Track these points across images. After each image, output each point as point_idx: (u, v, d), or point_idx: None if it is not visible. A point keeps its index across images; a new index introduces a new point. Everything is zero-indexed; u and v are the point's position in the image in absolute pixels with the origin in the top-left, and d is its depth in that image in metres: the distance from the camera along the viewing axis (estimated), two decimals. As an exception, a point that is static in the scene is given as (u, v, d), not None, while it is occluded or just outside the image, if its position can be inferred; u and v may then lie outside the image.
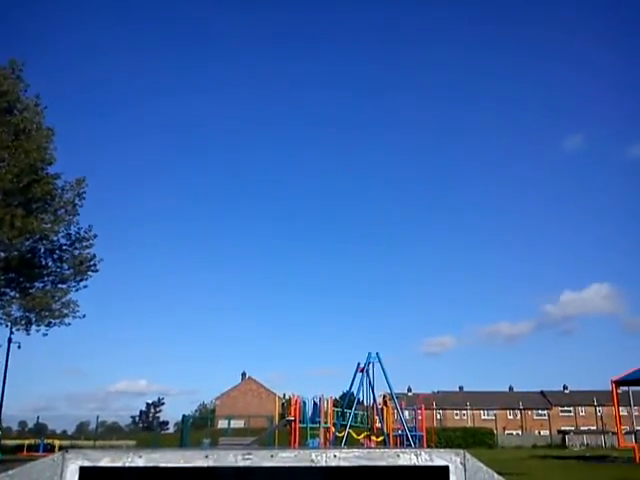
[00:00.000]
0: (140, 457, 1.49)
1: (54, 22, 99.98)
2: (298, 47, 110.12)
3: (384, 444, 27.02)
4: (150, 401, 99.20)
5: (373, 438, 28.72)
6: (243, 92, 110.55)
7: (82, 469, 1.46)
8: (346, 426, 27.28)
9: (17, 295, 23.99)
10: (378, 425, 29.53)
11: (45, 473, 1.44)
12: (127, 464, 1.49)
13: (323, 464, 1.57)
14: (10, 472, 1.44)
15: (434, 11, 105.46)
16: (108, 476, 1.49)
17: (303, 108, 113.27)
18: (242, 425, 60.35)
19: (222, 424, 60.89)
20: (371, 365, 28.89)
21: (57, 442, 37.97)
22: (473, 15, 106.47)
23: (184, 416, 37.82)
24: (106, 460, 1.48)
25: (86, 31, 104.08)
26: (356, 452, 1.60)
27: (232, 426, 54.23)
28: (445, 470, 1.64)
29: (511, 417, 77.13)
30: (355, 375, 29.16)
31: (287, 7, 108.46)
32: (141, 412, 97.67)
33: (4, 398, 33.04)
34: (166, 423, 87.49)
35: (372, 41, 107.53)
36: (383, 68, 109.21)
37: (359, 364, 28.93)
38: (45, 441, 38.31)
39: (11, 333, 29.27)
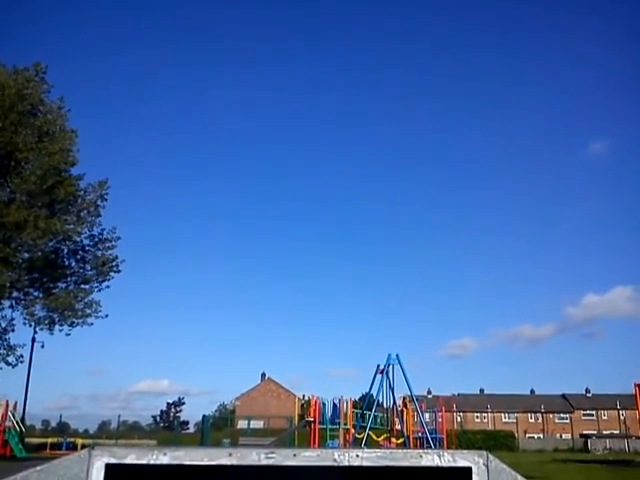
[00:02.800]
0: (165, 455, 1.50)
1: (74, 22, 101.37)
2: (310, 49, 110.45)
3: (404, 446, 26.90)
4: (171, 401, 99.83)
5: (393, 440, 28.63)
6: (259, 94, 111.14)
7: (108, 466, 1.48)
8: (366, 428, 27.25)
9: (41, 295, 24.29)
10: (398, 427, 29.43)
11: (72, 469, 1.46)
12: (152, 461, 1.50)
13: (346, 464, 1.57)
14: (38, 468, 1.47)
15: (452, 14, 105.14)
16: (133, 473, 1.51)
17: (310, 108, 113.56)
18: (261, 426, 60.48)
19: (242, 424, 61.09)
20: (391, 367, 28.84)
21: (79, 441, 38.38)
22: (492, 19, 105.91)
23: (204, 416, 38.07)
24: (131, 457, 1.50)
25: (102, 29, 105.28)
26: (378, 452, 1.60)
27: (252, 426, 54.35)
28: (468, 471, 1.63)
29: (532, 420, 76.33)
30: (375, 377, 29.14)
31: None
32: (162, 412, 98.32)
33: (28, 396, 33.52)
34: (186, 423, 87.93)
35: (388, 48, 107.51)
36: (400, 72, 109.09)
37: (379, 366, 28.89)
38: (68, 439, 38.75)
39: (35, 332, 29.73)
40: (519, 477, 1.57)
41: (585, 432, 68.39)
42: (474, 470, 1.63)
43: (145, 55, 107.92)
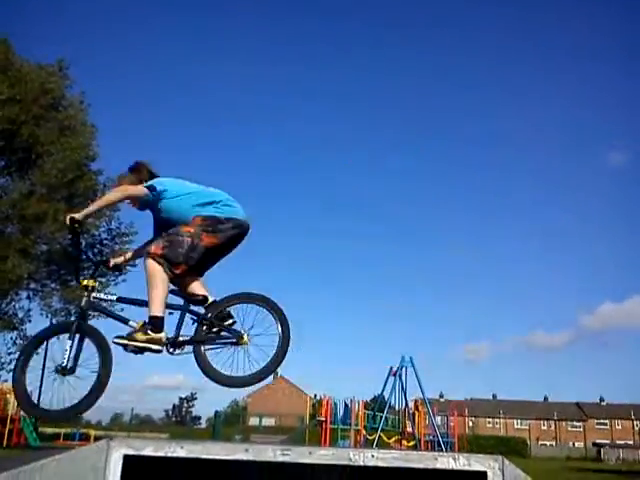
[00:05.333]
0: (182, 448, 1.52)
1: (88, 15, 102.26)
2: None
3: (415, 449, 26.74)
4: (183, 396, 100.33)
5: (404, 442, 28.49)
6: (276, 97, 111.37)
7: (126, 457, 1.50)
8: (377, 429, 27.15)
9: (58, 287, 24.52)
10: (409, 430, 29.31)
11: (91, 459, 1.48)
12: (169, 454, 1.52)
13: (361, 463, 1.58)
14: (57, 457, 1.49)
15: (466, 23, 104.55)
16: (150, 465, 1.53)
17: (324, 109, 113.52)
18: (273, 423, 60.62)
19: (253, 421, 61.29)
20: (404, 369, 28.72)
21: (92, 432, 38.59)
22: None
23: (216, 412, 38.15)
24: (149, 449, 1.52)
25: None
26: (394, 453, 1.60)
27: (263, 424, 54.52)
28: (483, 476, 1.63)
29: (545, 427, 75.70)
30: (387, 378, 29.03)
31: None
32: (174, 406, 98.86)
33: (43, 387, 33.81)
34: (198, 418, 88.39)
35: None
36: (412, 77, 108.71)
37: (392, 367, 28.78)
38: (81, 430, 38.99)
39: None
40: (535, 483, 1.56)
41: (598, 441, 67.61)
42: (489, 475, 1.62)
43: (157, 49, 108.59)
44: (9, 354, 23.41)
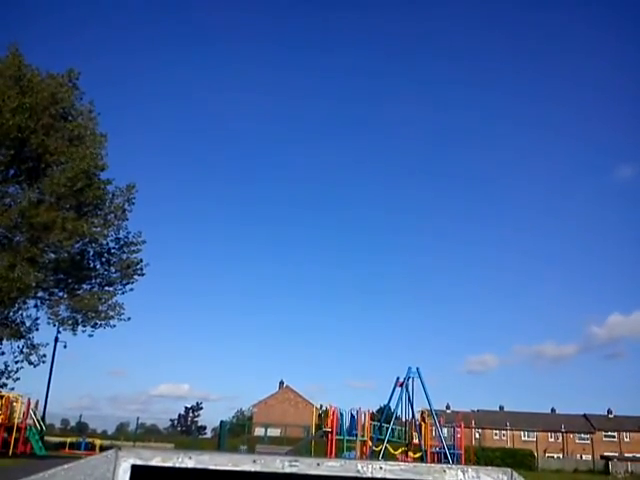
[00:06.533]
0: (190, 458, 1.52)
1: (91, 20, 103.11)
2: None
3: (421, 461, 26.61)
4: (189, 405, 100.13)
5: (410, 454, 28.36)
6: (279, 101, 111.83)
7: (134, 467, 1.50)
8: (383, 440, 27.05)
9: (65, 296, 24.58)
10: (416, 441, 29.15)
11: (99, 469, 1.48)
12: (177, 464, 1.51)
13: (369, 475, 1.57)
14: (66, 466, 1.49)
15: (488, 36, 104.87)
16: (158, 475, 1.52)
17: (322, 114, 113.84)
18: (278, 434, 60.32)
19: (259, 432, 61.09)
20: (410, 380, 28.61)
21: (98, 441, 38.62)
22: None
23: (222, 422, 38.09)
24: (157, 460, 1.52)
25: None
26: (402, 466, 1.59)
27: (269, 434, 54.31)
28: (492, 488, 1.61)
29: (552, 440, 74.99)
30: (394, 389, 28.94)
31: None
32: (180, 416, 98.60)
33: (49, 396, 33.90)
34: (204, 428, 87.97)
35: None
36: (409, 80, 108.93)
37: (398, 378, 28.68)
38: (86, 440, 39.01)
39: (58, 332, 30.10)
40: (544, 496, 1.55)
41: (606, 454, 66.93)
42: (498, 487, 1.61)
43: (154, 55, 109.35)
44: (16, 362, 23.48)
